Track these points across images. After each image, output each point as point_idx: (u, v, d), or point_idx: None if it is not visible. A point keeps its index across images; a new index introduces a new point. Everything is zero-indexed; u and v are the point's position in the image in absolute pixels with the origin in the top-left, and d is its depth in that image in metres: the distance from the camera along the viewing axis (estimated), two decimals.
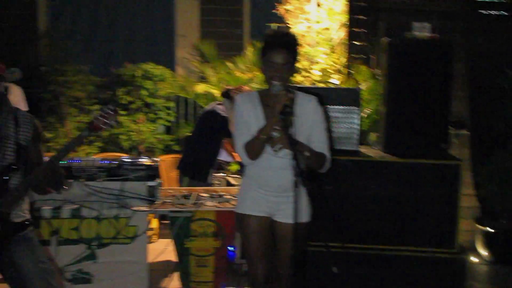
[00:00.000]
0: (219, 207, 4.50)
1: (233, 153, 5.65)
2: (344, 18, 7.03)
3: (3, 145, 3.07)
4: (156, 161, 4.70)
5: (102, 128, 3.06)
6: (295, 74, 6.87)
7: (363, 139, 5.17)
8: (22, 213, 3.17)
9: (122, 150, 7.53)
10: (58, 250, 4.33)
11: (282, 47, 3.25)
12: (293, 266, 3.27)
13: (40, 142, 3.27)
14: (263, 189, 3.42)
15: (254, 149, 3.27)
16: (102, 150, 7.38)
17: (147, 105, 7.90)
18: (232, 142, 5.46)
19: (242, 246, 3.60)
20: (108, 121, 3.04)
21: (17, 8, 8.40)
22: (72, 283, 4.44)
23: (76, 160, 4.58)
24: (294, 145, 2.97)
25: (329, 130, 3.77)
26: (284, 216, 3.39)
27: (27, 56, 7.87)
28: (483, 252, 5.99)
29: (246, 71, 7.44)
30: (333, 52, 7.02)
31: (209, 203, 4.55)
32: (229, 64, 7.60)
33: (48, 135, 7.17)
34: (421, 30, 4.66)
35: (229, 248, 4.67)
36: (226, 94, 5.54)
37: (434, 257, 4.45)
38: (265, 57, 3.29)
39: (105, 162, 4.65)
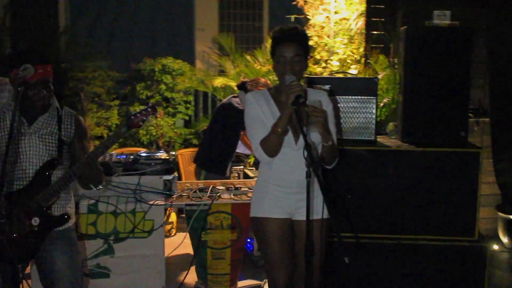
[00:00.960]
0: (235, 200, 4.48)
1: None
2: (362, 7, 6.98)
3: (47, 141, 3.14)
4: (173, 155, 4.71)
5: (140, 125, 3.06)
6: (314, 66, 6.91)
7: (381, 129, 5.11)
8: (62, 207, 3.21)
9: (141, 144, 7.57)
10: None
11: (290, 40, 3.20)
12: (322, 264, 3.22)
13: (85, 138, 3.31)
14: (282, 186, 3.28)
15: (271, 144, 3.15)
16: (122, 145, 7.42)
17: (166, 99, 7.93)
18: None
19: (261, 252, 3.46)
20: (145, 119, 3.05)
21: (39, 4, 8.46)
22: (91, 278, 4.46)
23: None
24: (306, 135, 2.90)
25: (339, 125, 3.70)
26: (304, 215, 3.30)
27: (48, 52, 7.92)
28: (505, 239, 5.92)
29: (265, 64, 7.41)
30: (352, 42, 6.97)
31: (225, 195, 4.53)
32: (248, 57, 7.58)
33: None
34: (441, 18, 4.59)
35: (247, 240, 4.66)
36: (242, 86, 5.51)
37: (454, 245, 4.39)
38: (276, 54, 3.24)
39: (122, 157, 4.67)
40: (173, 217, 6.39)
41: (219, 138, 5.52)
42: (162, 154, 4.69)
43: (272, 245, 3.29)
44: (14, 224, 2.99)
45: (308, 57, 3.38)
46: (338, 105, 4.43)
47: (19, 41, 8.11)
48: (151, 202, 4.37)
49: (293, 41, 3.19)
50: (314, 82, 4.37)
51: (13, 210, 2.98)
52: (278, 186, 3.28)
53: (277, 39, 3.23)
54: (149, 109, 3.05)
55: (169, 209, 4.59)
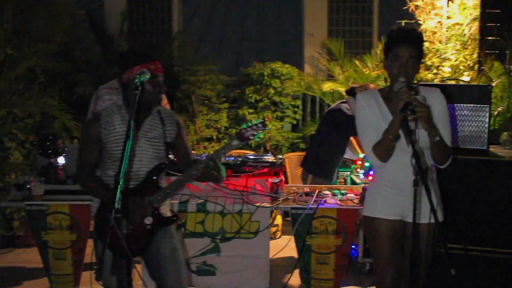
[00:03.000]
0: (341, 205, 4.48)
1: (359, 151, 5.57)
2: (476, 12, 6.75)
3: (155, 145, 3.28)
4: (280, 158, 4.76)
5: (250, 139, 3.20)
6: (425, 72, 6.77)
7: (494, 138, 4.93)
8: (168, 207, 3.38)
9: (249, 147, 7.70)
10: (184, 243, 4.49)
11: (408, 42, 3.15)
12: (427, 270, 3.18)
13: (184, 136, 3.44)
14: (396, 189, 3.27)
15: (383, 149, 3.15)
16: None
17: (274, 103, 8.03)
18: (357, 140, 5.43)
19: (371, 250, 3.45)
20: (256, 134, 3.18)
21: (154, 11, 8.84)
22: (197, 275, 4.61)
23: (204, 156, 4.73)
24: (414, 143, 2.86)
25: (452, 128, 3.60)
26: (418, 216, 3.26)
27: (162, 56, 8.24)
28: None
29: (375, 69, 7.34)
30: (465, 48, 6.77)
31: (331, 200, 4.53)
32: (357, 62, 7.54)
33: None
34: None
35: (351, 246, 4.64)
36: (351, 92, 5.49)
37: None
38: (390, 53, 3.21)
39: (230, 158, 4.77)
40: (278, 219, 6.46)
41: (327, 143, 5.52)
42: (269, 157, 4.76)
43: (383, 245, 3.30)
44: (129, 221, 3.15)
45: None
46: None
47: (135, 46, 8.51)
48: (257, 204, 4.45)
49: (410, 42, 3.14)
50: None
51: (129, 208, 3.13)
52: (391, 188, 3.28)
53: (394, 38, 3.19)
54: (260, 125, 3.18)
55: (275, 211, 4.65)
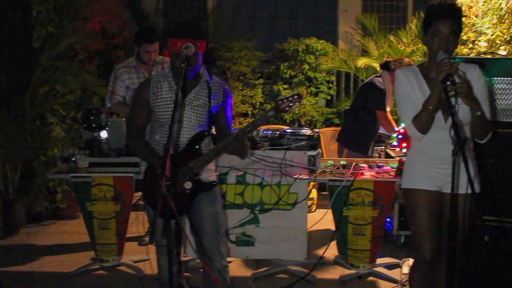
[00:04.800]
0: (377, 177, 4.54)
1: (393, 126, 5.60)
2: None
3: (198, 113, 3.41)
4: (317, 132, 4.82)
5: (286, 110, 3.29)
6: (460, 46, 6.74)
7: None
8: (210, 175, 3.51)
9: (284, 122, 7.78)
10: (224, 213, 4.61)
11: (448, 17, 3.17)
12: (464, 242, 3.21)
13: (226, 108, 3.54)
14: (433, 161, 3.33)
15: (423, 122, 3.19)
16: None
17: (309, 79, 8.08)
18: (381, 115, 5.47)
19: (409, 223, 3.50)
20: (292, 105, 3.26)
21: None
22: (236, 245, 4.73)
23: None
24: (454, 115, 2.91)
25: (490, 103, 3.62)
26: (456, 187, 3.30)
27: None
28: None
29: (409, 45, 7.33)
30: (502, 22, 6.69)
31: (367, 172, 4.60)
32: (392, 38, 7.53)
33: None
34: None
35: (386, 219, 4.70)
36: (385, 66, 5.52)
37: None
38: (430, 28, 3.24)
39: (268, 132, 4.87)
40: (313, 193, 6.55)
41: (362, 117, 5.58)
42: (306, 131, 4.83)
43: (421, 217, 3.35)
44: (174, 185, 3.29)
45: None
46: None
47: (170, 23, 8.60)
48: (295, 176, 4.53)
49: (451, 18, 3.16)
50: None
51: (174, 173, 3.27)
52: (428, 160, 3.34)
53: (434, 13, 3.21)
54: (296, 96, 3.26)
55: (311, 184, 4.73)
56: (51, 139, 6.57)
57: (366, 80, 5.95)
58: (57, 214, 6.80)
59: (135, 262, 5.10)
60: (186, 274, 4.00)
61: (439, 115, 3.24)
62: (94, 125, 4.85)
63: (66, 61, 6.81)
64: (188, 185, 3.30)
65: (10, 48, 6.40)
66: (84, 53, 7.38)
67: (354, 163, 4.80)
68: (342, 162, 4.89)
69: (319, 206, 6.68)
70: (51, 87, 6.68)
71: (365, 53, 7.85)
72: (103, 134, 4.94)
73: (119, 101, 5.32)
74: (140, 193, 6.61)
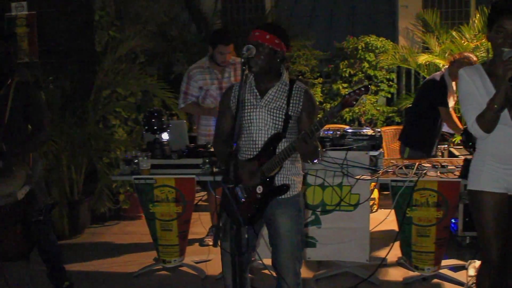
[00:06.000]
0: (442, 178, 4.43)
1: (457, 123, 5.46)
2: None
3: (275, 115, 3.32)
4: (379, 132, 4.75)
5: (353, 104, 3.12)
6: None
7: None
8: (285, 177, 3.37)
9: (343, 121, 7.70)
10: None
11: None
12: None
13: (313, 113, 3.40)
14: (500, 162, 3.23)
15: (487, 121, 3.11)
16: None
17: (369, 77, 7.97)
18: (443, 113, 5.33)
19: (475, 225, 3.40)
20: (359, 98, 3.10)
21: None
22: None
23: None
24: None
25: None
26: None
27: None
28: None
29: (473, 40, 7.14)
30: None
31: (431, 173, 4.50)
32: (454, 33, 7.35)
33: None
34: None
35: (451, 220, 4.59)
36: (454, 63, 5.37)
37: None
38: (495, 24, 3.15)
39: (329, 132, 4.80)
40: (375, 193, 6.46)
41: (424, 115, 5.47)
42: (368, 130, 4.75)
43: (487, 219, 3.27)
44: (244, 190, 3.26)
45: None
46: None
47: (227, 23, 8.64)
48: (357, 177, 4.47)
49: None
50: None
51: (242, 177, 3.24)
52: (495, 161, 3.25)
53: (499, 9, 3.13)
54: (363, 88, 3.08)
55: (372, 184, 4.66)
56: (114, 141, 6.70)
57: (428, 77, 5.82)
58: (120, 215, 6.94)
59: (197, 263, 5.15)
60: (249, 275, 3.98)
61: (505, 113, 3.15)
62: (155, 127, 4.91)
63: (127, 64, 6.93)
64: (259, 189, 3.24)
65: (74, 53, 6.57)
66: (145, 55, 7.49)
67: (417, 163, 4.70)
68: (404, 162, 4.79)
69: (380, 206, 6.59)
70: (113, 90, 6.82)
71: (426, 49, 7.68)
72: (165, 136, 5.00)
73: (192, 102, 5.39)
74: (201, 194, 6.79)
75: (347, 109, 7.50)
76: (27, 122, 4.20)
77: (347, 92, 3.20)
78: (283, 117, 3.31)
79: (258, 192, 3.22)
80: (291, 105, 3.31)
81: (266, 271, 4.75)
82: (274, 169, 3.27)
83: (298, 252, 3.42)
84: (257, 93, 3.34)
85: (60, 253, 4.43)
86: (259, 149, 3.30)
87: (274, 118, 3.31)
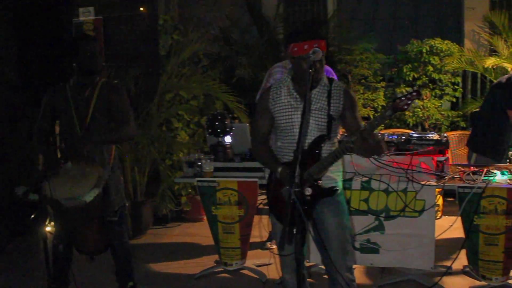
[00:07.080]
0: (511, 184, 4.29)
1: None
2: None
3: (317, 117, 3.34)
4: (445, 137, 4.64)
5: (404, 109, 3.09)
6: None
7: None
8: (331, 179, 3.41)
9: (407, 126, 7.57)
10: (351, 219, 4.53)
11: None
12: None
13: (355, 110, 3.43)
14: None
15: None
16: (387, 126, 7.49)
17: (433, 81, 7.82)
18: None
19: None
20: (410, 102, 3.06)
21: None
22: (360, 252, 4.64)
23: None
24: None
25: None
26: None
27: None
28: None
29: None
30: None
31: (501, 179, 4.36)
32: None
33: None
34: None
35: None
36: None
37: None
38: None
39: (394, 137, 4.73)
40: (439, 200, 6.32)
41: (492, 120, 5.30)
42: (434, 135, 4.65)
43: None
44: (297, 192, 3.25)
45: None
46: None
47: (289, 27, 8.63)
48: (423, 182, 4.38)
49: None
50: None
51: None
52: None
53: None
54: (414, 93, 3.05)
55: (437, 190, 4.55)
56: (176, 143, 6.78)
57: (496, 81, 5.66)
58: (182, 217, 7.02)
59: (258, 266, 5.14)
60: (309, 280, 3.96)
61: None
62: (218, 130, 4.94)
63: (190, 67, 7.01)
64: (308, 191, 3.21)
65: (139, 57, 6.68)
66: (207, 59, 7.57)
67: (485, 169, 4.56)
68: (471, 168, 4.66)
69: (444, 213, 6.44)
70: (176, 93, 6.90)
71: (493, 52, 7.48)
72: (228, 139, 5.02)
73: None
74: (263, 197, 6.79)
75: (410, 113, 7.48)
76: (110, 123, 4.17)
77: (398, 96, 3.17)
78: (326, 118, 3.33)
79: (307, 194, 3.19)
80: (331, 105, 3.33)
81: (326, 276, 4.70)
82: (323, 171, 3.29)
83: (348, 247, 3.46)
84: (297, 96, 3.36)
85: (130, 255, 4.48)
86: (303, 152, 3.24)
87: (317, 119, 3.33)
